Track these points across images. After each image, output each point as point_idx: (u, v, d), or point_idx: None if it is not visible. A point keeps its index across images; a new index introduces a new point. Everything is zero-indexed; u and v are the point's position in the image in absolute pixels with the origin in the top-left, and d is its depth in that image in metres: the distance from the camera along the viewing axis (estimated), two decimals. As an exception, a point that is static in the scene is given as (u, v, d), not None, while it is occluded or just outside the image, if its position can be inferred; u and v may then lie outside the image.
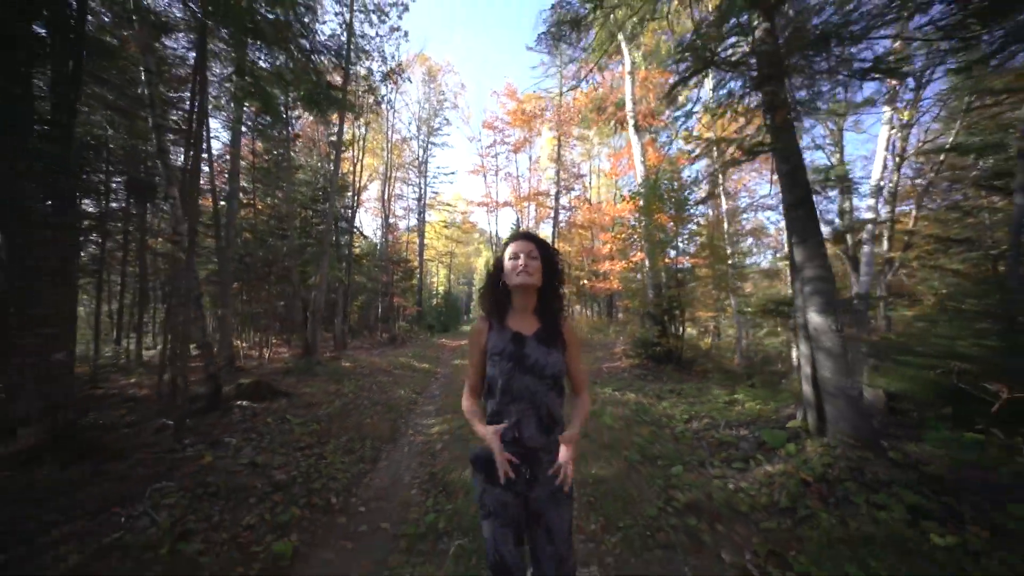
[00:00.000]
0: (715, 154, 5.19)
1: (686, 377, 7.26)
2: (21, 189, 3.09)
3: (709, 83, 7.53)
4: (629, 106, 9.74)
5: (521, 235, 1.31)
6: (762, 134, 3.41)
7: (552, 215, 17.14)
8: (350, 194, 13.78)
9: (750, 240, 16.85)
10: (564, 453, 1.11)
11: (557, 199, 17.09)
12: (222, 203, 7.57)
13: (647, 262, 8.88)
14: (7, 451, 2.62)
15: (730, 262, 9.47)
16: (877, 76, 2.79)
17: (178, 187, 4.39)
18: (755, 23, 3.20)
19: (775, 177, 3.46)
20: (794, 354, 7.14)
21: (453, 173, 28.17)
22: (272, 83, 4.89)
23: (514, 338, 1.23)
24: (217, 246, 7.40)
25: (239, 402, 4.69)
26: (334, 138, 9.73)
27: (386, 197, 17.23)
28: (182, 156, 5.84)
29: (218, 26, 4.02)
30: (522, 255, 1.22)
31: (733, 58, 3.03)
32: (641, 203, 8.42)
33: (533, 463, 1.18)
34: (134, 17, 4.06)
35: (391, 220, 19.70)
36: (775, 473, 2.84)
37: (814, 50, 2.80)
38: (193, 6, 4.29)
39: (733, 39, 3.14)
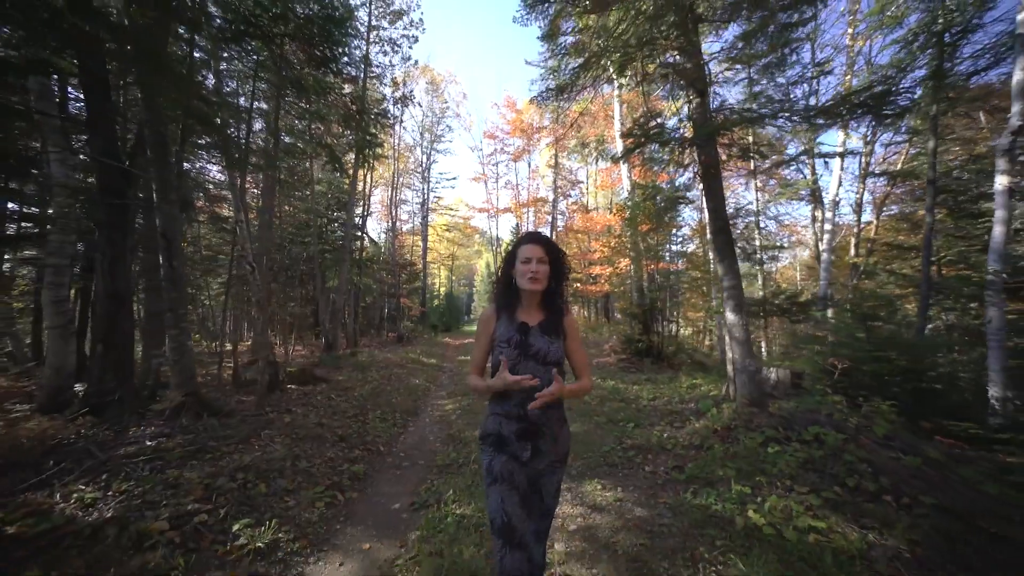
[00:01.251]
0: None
1: (664, 369, 8.48)
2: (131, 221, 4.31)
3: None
4: (617, 126, 10.95)
5: (532, 237, 1.42)
6: (696, 179, 4.63)
7: (550, 220, 18.35)
8: (362, 204, 14.98)
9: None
10: (553, 387, 1.26)
11: (555, 206, 18.29)
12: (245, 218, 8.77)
13: (632, 268, 10.09)
14: (160, 408, 3.85)
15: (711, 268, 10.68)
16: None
17: (244, 213, 5.61)
18: (691, 99, 4.41)
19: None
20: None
21: (455, 178, 29.50)
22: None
23: (520, 328, 1.38)
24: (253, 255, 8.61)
25: (290, 385, 5.91)
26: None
27: (393, 203, 18.44)
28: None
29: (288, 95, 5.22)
30: (534, 260, 1.35)
31: (671, 129, 4.25)
32: (627, 215, 9.61)
33: (536, 437, 1.34)
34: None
35: (396, 224, 20.89)
36: (699, 427, 4.06)
37: (731, 128, 4.02)
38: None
39: (673, 120, 4.35)
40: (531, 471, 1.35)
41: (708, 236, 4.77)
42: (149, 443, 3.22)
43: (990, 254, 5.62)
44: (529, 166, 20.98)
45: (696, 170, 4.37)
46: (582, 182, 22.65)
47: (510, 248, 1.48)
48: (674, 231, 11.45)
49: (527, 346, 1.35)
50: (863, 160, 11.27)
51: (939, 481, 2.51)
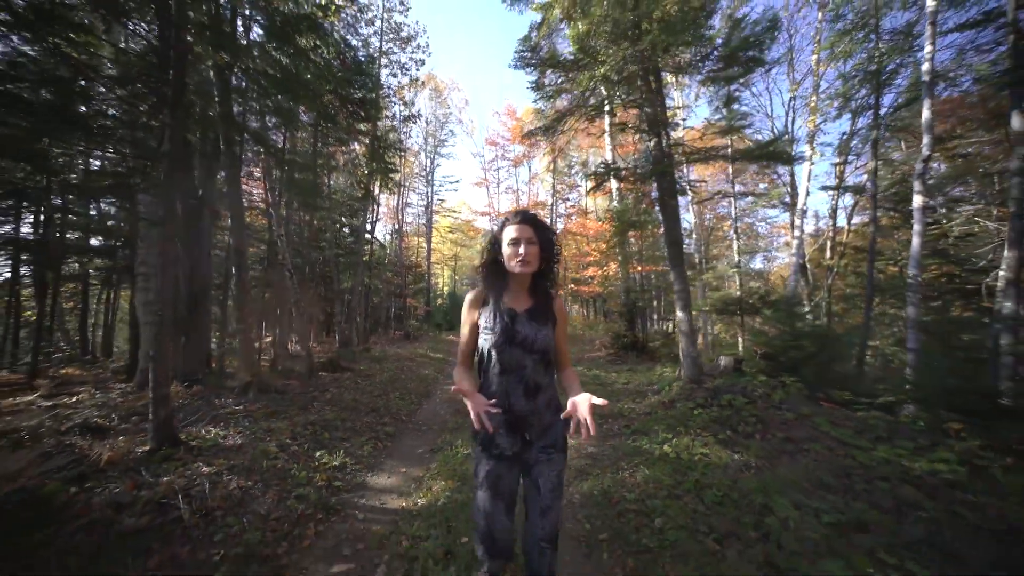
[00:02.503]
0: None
1: (645, 361, 9.64)
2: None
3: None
4: (608, 140, 12.10)
5: (520, 216, 1.33)
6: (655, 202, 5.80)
7: (549, 222, 19.52)
8: (371, 210, 16.21)
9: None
10: (583, 408, 1.10)
11: (553, 209, 19.46)
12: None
13: (620, 271, 11.26)
14: (230, 386, 5.07)
15: (693, 271, 11.84)
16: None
17: (282, 228, 6.82)
18: (650, 139, 5.59)
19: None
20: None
21: (458, 181, 30.63)
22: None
23: (507, 313, 1.31)
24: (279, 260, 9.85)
25: (322, 373, 7.13)
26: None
27: (399, 207, 19.65)
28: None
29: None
30: (522, 241, 1.28)
31: (635, 165, 5.42)
32: (614, 224, 10.78)
33: (523, 427, 1.31)
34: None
35: (402, 227, 22.11)
36: (653, 401, 5.24)
37: (672, 167, 5.18)
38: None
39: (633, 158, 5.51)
40: (524, 463, 1.32)
41: (665, 250, 5.93)
42: (237, 407, 4.43)
43: (910, 260, 6.85)
44: (529, 170, 22.16)
45: (655, 196, 5.54)
46: (580, 185, 23.80)
47: (496, 227, 1.39)
48: (658, 237, 12.67)
49: (513, 333, 1.29)
50: (837, 171, 12.43)
51: (796, 425, 3.68)
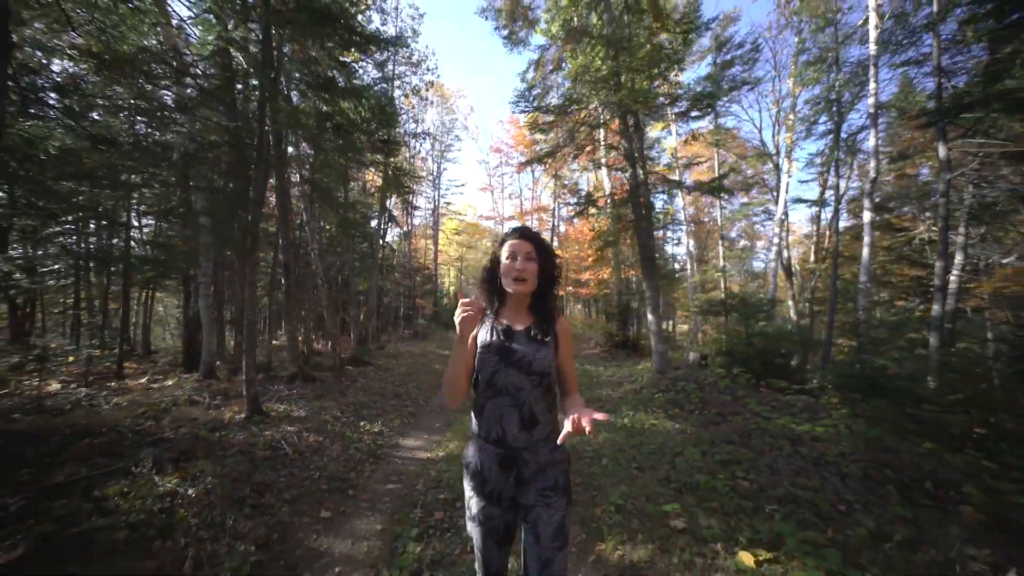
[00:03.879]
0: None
1: (633, 357, 10.77)
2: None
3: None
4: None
5: (519, 232, 1.30)
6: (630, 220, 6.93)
7: (551, 225, 20.61)
8: (383, 217, 17.45)
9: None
10: (585, 417, 1.00)
11: (555, 213, 20.59)
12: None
13: (613, 275, 12.38)
14: (282, 376, 6.29)
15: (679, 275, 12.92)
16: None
17: (315, 243, 8.04)
18: (626, 170, 6.71)
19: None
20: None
21: (463, 185, 31.80)
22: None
23: (504, 332, 1.26)
24: (311, 270, 11.10)
25: (347, 367, 8.35)
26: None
27: (408, 212, 20.88)
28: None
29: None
30: (520, 257, 1.25)
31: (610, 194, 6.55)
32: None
33: (518, 464, 1.20)
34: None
35: (409, 230, 23.37)
36: (627, 389, 6.38)
37: (647, 194, 6.31)
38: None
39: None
40: (520, 507, 1.22)
41: (640, 263, 7.07)
42: (290, 392, 5.65)
43: (861, 268, 7.98)
44: (533, 175, 23.29)
45: (629, 219, 6.68)
46: (582, 189, 24.88)
47: (497, 244, 1.36)
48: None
49: (509, 352, 1.23)
50: (821, 181, 13.44)
51: (730, 404, 4.81)
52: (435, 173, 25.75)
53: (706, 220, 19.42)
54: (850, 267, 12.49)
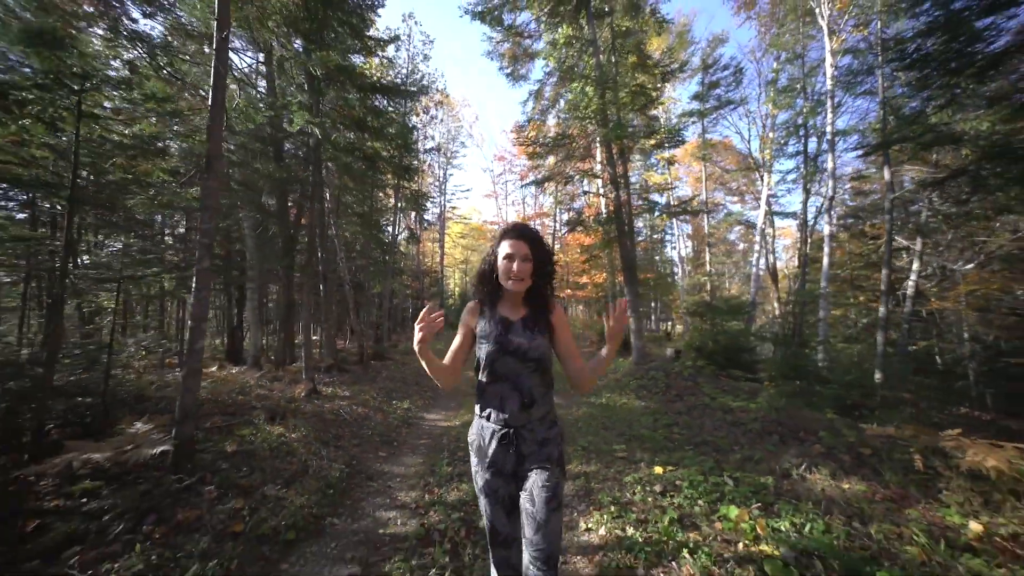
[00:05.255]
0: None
1: (623, 353, 11.98)
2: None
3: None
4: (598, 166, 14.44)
5: (517, 231, 1.37)
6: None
7: (552, 230, 21.86)
8: (394, 223, 18.78)
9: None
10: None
11: (556, 218, 21.83)
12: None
13: (607, 278, 13.60)
14: (320, 367, 7.60)
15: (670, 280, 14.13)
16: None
17: (343, 255, 9.35)
18: (609, 194, 7.96)
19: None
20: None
21: (469, 190, 33.23)
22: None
23: (501, 322, 1.38)
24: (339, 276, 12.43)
25: (371, 361, 9.66)
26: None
27: (418, 219, 22.21)
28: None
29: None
30: (516, 258, 1.33)
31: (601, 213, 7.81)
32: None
33: (518, 441, 1.32)
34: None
35: (418, 236, 24.71)
36: (610, 378, 7.62)
37: (628, 215, 7.56)
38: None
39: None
40: (519, 477, 1.33)
41: (622, 274, 8.31)
42: (330, 379, 6.93)
43: (822, 276, 9.20)
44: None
45: (612, 235, 7.94)
46: (583, 192, 26.08)
47: (496, 238, 1.41)
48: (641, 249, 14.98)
49: (507, 342, 1.33)
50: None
51: (689, 388, 6.05)
52: (441, 179, 27.12)
53: (703, 225, 20.63)
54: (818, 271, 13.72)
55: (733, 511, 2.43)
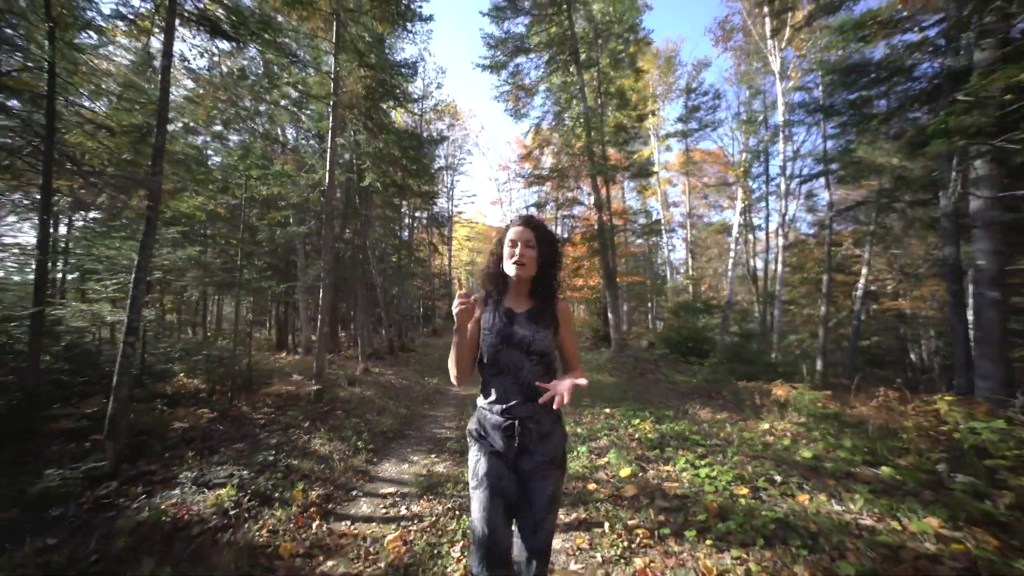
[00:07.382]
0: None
1: (605, 344, 13.89)
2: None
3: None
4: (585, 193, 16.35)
5: (522, 220, 1.39)
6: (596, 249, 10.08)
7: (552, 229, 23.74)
8: (409, 230, 20.78)
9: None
10: (564, 383, 1.19)
11: (557, 224, 23.74)
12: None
13: (601, 280, 15.49)
14: (379, 351, 9.55)
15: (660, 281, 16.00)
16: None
17: (373, 265, 11.34)
18: (596, 211, 9.88)
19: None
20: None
21: (475, 195, 35.19)
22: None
23: (505, 314, 1.38)
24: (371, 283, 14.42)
25: (398, 352, 11.64)
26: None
27: (428, 226, 24.19)
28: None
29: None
30: (520, 244, 1.34)
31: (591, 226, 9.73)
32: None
33: (522, 433, 1.31)
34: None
35: (430, 242, 26.69)
36: (594, 364, 9.53)
37: (612, 231, 9.47)
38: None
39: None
40: (520, 472, 1.33)
41: (604, 279, 10.22)
42: (373, 364, 8.89)
43: (777, 281, 11.04)
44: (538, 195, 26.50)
45: (596, 249, 9.84)
46: (584, 195, 27.95)
47: (503, 229, 1.44)
48: (636, 256, 16.91)
49: (510, 334, 1.34)
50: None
51: (652, 368, 7.95)
52: (448, 186, 29.07)
53: (696, 230, 22.46)
54: (794, 274, 15.52)
55: (639, 423, 4.35)
